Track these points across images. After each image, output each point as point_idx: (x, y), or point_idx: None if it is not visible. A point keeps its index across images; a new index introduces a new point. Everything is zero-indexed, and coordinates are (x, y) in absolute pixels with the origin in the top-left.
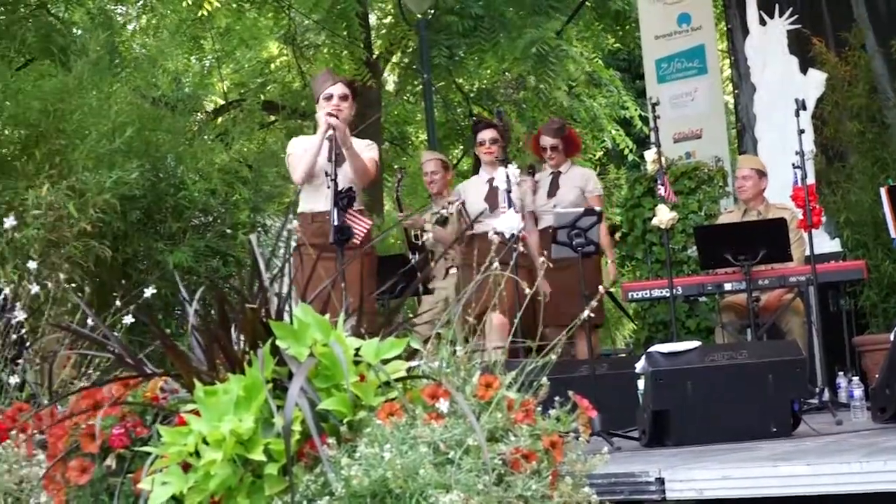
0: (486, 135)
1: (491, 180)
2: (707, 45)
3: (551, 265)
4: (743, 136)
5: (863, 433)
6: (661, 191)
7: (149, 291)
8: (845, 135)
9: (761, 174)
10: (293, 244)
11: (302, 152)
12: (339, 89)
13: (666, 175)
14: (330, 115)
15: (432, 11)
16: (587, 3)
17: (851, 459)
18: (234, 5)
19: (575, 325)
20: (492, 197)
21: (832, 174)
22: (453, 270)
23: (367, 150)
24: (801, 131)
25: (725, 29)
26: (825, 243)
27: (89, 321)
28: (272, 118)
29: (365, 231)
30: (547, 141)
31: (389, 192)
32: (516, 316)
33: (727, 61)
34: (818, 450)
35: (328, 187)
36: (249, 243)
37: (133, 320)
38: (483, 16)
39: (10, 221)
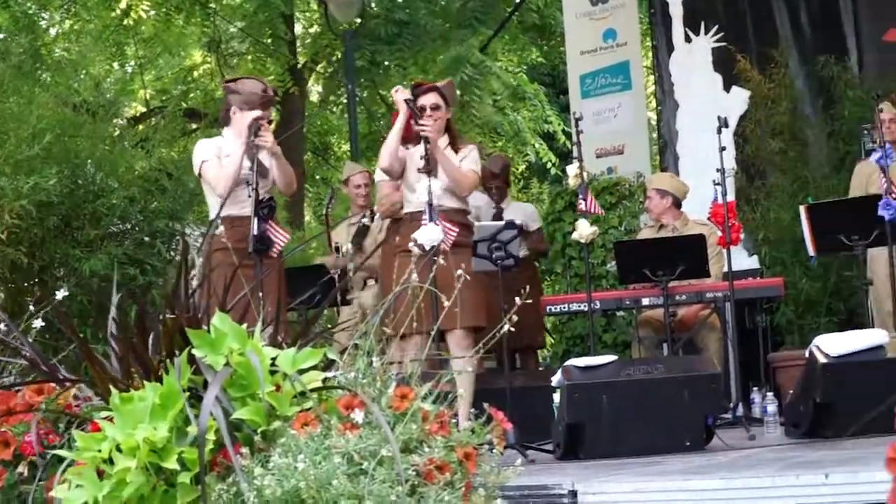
0: (428, 99)
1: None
2: (632, 61)
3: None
4: (665, 152)
5: (776, 448)
6: (583, 205)
7: (60, 294)
8: (767, 153)
9: (664, 194)
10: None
11: (217, 160)
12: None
13: (588, 189)
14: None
15: (358, 21)
16: (513, 17)
17: (764, 474)
18: (163, 13)
19: (494, 339)
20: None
21: (753, 192)
22: (371, 282)
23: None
24: (723, 149)
25: (651, 45)
26: (743, 260)
27: (2, 326)
28: (194, 126)
29: (285, 241)
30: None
31: (310, 203)
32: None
33: (651, 78)
34: (731, 464)
35: (249, 196)
36: (182, 247)
37: (43, 324)
38: (408, 22)
39: None
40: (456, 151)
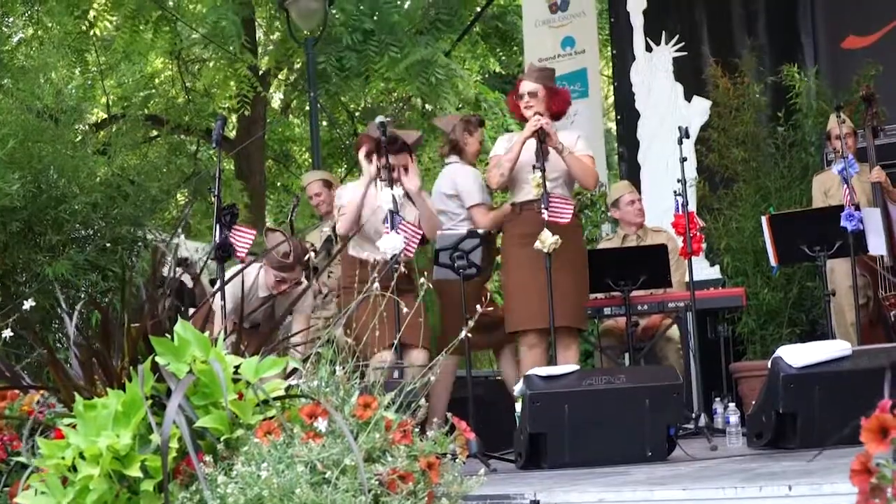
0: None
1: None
2: (590, 68)
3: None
4: (625, 161)
5: (738, 459)
6: (545, 215)
7: (28, 304)
8: (730, 161)
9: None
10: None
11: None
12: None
13: (550, 199)
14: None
15: (321, 28)
16: (475, 25)
17: (726, 485)
18: (128, 26)
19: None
20: None
21: (715, 201)
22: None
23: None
24: (684, 159)
25: (610, 54)
26: (705, 270)
27: None
28: (155, 132)
29: (249, 245)
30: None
31: (271, 210)
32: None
33: (611, 87)
34: (693, 475)
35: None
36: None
37: (12, 334)
38: (373, 30)
39: None
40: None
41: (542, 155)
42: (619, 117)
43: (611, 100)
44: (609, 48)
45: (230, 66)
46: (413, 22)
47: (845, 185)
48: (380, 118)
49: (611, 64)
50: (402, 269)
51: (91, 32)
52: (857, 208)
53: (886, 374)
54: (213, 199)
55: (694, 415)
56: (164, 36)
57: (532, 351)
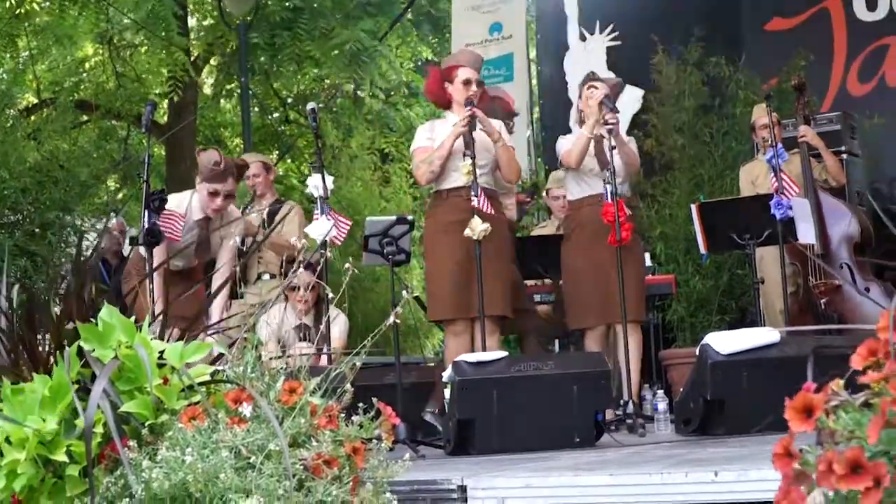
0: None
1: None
2: (516, 53)
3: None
4: (550, 148)
5: (666, 445)
6: (475, 202)
7: None
8: (668, 148)
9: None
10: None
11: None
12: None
13: (480, 187)
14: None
15: (253, 12)
16: (407, 12)
17: (653, 471)
18: (56, 2)
19: (380, 331)
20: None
21: (650, 188)
22: (266, 276)
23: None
24: (613, 148)
25: (535, 40)
26: None
27: None
28: (85, 117)
29: (176, 232)
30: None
31: None
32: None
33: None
34: (620, 461)
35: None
36: (79, 239)
37: None
38: (303, 7)
39: None
40: None
41: (472, 142)
42: (542, 102)
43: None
44: (538, 35)
45: (163, 51)
46: (343, 7)
47: (774, 174)
48: (311, 105)
49: (536, 52)
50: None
51: (19, 11)
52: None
53: (809, 360)
54: (142, 184)
55: (623, 401)
56: (91, 17)
57: (458, 339)
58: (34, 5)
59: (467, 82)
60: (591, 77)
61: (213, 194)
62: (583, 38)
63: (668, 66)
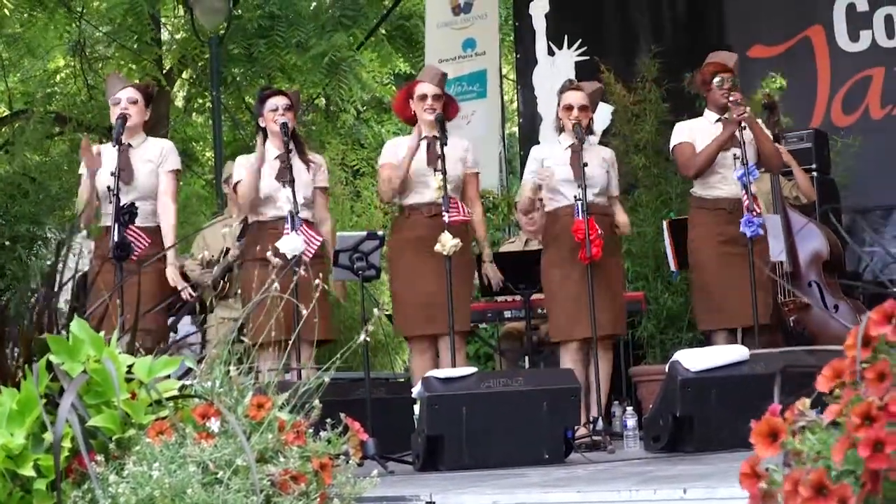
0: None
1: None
2: (489, 70)
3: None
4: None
5: (635, 462)
6: (446, 217)
7: None
8: (631, 168)
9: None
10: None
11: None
12: (127, 93)
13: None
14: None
15: (225, 25)
16: (381, 26)
17: (622, 487)
18: (26, 8)
19: (351, 347)
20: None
21: None
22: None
23: None
24: (584, 164)
25: (514, 58)
26: None
27: None
28: (57, 130)
29: (145, 246)
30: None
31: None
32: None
33: (515, 91)
34: (589, 477)
35: (110, 202)
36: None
37: None
38: (280, 16)
39: None
40: (305, 161)
41: (443, 157)
42: (521, 121)
43: (515, 105)
44: (512, 52)
45: (134, 62)
46: (318, 18)
47: (745, 192)
48: (282, 119)
49: (515, 68)
50: (301, 271)
51: None
52: (759, 214)
53: (776, 379)
54: (112, 198)
55: (592, 418)
56: (61, 21)
57: (423, 356)
58: (5, 11)
59: (423, 97)
60: (570, 83)
61: (116, 103)
62: (551, 53)
63: (617, 84)
